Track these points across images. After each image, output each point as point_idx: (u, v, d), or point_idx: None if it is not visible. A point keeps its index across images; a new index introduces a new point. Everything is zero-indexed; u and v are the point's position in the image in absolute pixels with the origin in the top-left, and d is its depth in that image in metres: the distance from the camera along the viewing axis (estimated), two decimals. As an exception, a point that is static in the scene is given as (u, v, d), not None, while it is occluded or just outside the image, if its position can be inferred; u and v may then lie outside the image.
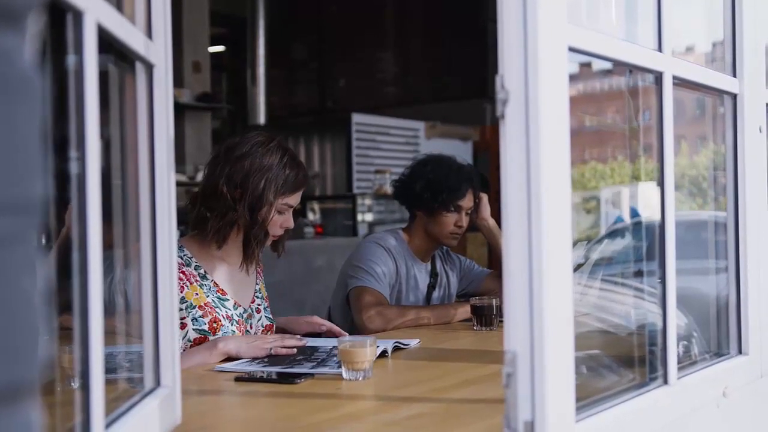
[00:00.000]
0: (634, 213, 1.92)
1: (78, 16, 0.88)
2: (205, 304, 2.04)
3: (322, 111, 9.60)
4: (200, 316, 2.02)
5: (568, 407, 1.07)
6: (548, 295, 1.03)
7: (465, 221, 2.69)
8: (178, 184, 5.59)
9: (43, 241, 1.06)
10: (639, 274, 1.63)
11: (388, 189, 6.53)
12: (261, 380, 1.70)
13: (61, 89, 0.90)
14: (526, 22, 1.02)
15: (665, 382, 1.37)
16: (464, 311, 2.52)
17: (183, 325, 2.00)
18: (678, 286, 1.39)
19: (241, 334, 2.09)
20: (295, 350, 1.93)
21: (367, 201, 6.96)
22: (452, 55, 8.76)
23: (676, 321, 1.38)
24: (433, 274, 2.79)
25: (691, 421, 1.46)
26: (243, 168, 2.03)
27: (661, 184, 1.38)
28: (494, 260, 3.46)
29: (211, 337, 2.00)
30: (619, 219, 2.16)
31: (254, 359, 1.88)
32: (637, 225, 1.63)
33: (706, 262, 1.79)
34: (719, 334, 1.71)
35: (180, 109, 6.89)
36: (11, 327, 0.51)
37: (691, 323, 1.67)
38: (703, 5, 1.94)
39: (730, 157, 1.67)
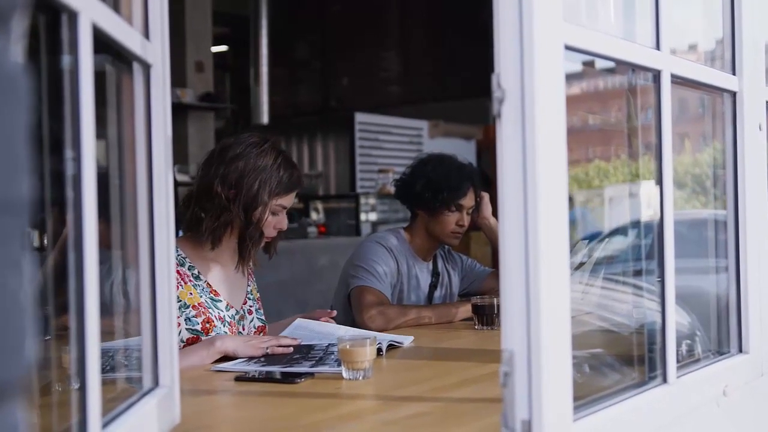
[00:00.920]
0: (593, 236, 1.92)
1: (73, 16, 0.88)
2: (198, 304, 2.05)
3: (325, 110, 9.59)
4: (194, 316, 2.03)
5: (565, 406, 1.07)
6: (545, 294, 1.03)
7: (466, 220, 2.69)
8: (181, 184, 5.59)
9: (44, 242, 1.07)
10: (640, 272, 1.62)
11: (391, 188, 6.51)
12: (261, 380, 1.70)
13: (58, 90, 0.90)
14: (521, 20, 1.02)
15: (664, 380, 1.36)
16: (465, 310, 2.52)
17: (176, 324, 1.99)
18: (679, 285, 1.39)
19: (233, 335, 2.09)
20: (291, 349, 1.94)
21: (371, 200, 6.94)
22: (455, 54, 8.74)
23: (678, 320, 1.38)
24: (435, 274, 2.79)
25: (691, 420, 1.46)
26: (237, 169, 2.03)
27: (659, 182, 1.37)
28: (497, 259, 3.45)
29: (203, 338, 2.00)
30: (597, 234, 2.11)
31: (251, 359, 1.88)
32: (637, 224, 1.63)
33: (707, 260, 1.79)
34: (720, 332, 1.71)
35: (183, 109, 6.89)
36: None
37: (694, 322, 1.67)
38: (704, 3, 1.94)
39: (729, 154, 1.67)
